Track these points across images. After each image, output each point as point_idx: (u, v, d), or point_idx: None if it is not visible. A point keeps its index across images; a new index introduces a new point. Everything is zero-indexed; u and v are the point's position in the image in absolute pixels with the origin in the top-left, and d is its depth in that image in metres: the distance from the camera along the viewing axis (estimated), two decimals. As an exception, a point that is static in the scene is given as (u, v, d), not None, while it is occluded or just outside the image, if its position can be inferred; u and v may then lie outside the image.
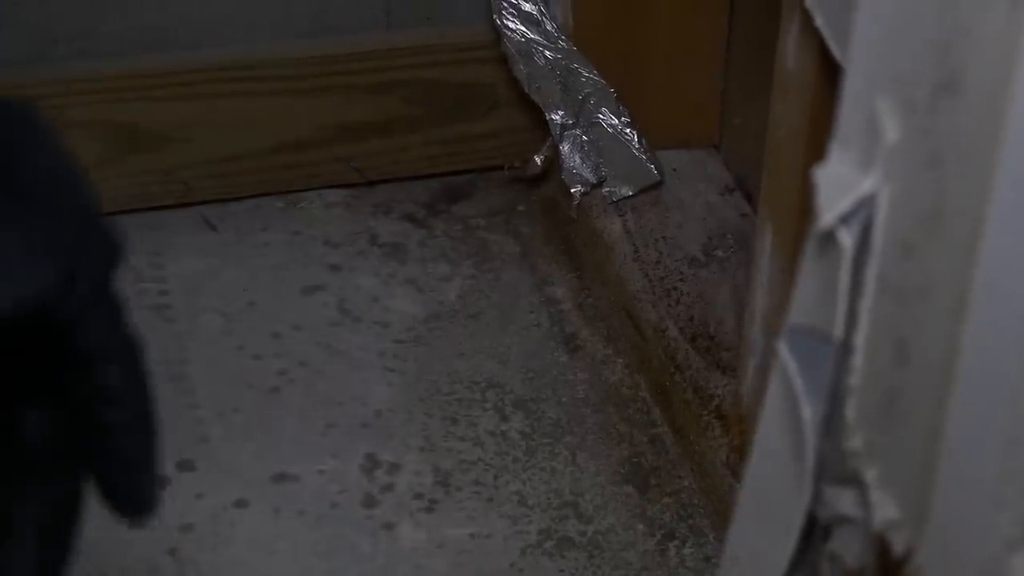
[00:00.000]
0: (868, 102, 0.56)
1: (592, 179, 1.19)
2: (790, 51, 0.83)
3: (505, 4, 1.19)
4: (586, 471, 1.05)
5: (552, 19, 1.19)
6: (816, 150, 0.69)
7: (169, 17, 1.19)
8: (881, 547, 0.62)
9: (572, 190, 1.19)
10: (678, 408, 1.07)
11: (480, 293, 1.19)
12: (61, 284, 0.47)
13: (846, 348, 0.60)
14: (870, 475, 0.61)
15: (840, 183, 0.57)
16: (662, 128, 1.21)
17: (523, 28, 1.19)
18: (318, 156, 1.25)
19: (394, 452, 1.06)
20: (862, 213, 0.57)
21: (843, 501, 0.63)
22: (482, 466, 1.06)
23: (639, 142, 1.19)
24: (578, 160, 1.19)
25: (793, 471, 0.64)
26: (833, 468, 0.63)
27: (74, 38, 1.18)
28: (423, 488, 1.04)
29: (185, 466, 1.04)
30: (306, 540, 1.00)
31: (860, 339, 0.59)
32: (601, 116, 1.19)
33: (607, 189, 1.18)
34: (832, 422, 0.62)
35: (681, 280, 1.13)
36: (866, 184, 0.56)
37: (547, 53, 1.19)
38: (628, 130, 1.19)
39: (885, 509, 0.60)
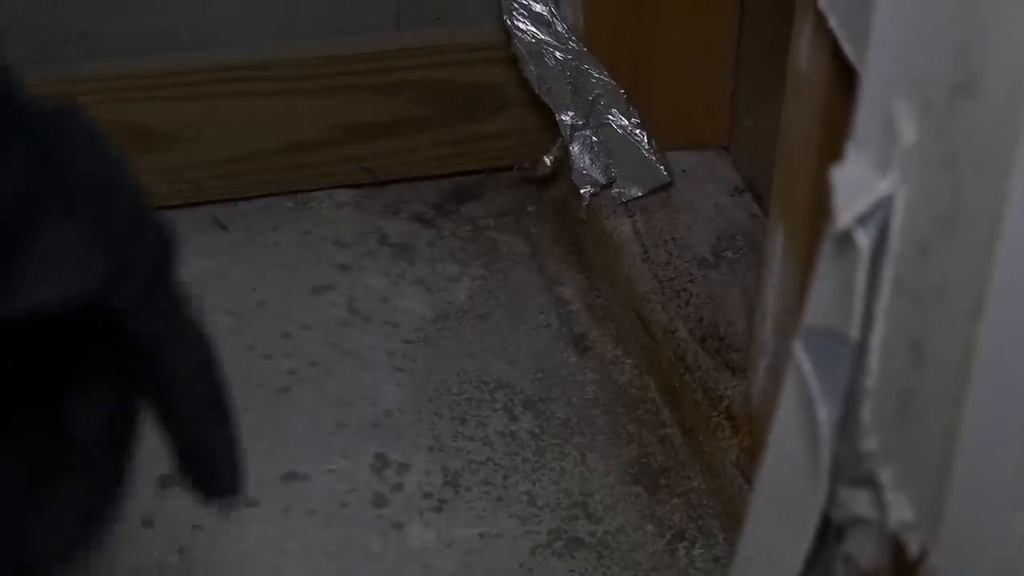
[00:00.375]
0: (885, 103, 0.56)
1: (602, 180, 1.19)
2: (803, 53, 0.83)
3: (516, 5, 1.19)
4: (595, 471, 1.06)
5: (563, 20, 1.19)
6: (829, 152, 0.69)
7: (173, 20, 1.19)
8: (896, 548, 0.62)
9: (582, 191, 1.19)
10: (688, 409, 1.07)
11: (489, 293, 1.19)
12: (114, 276, 0.47)
13: (862, 349, 0.60)
14: (885, 476, 0.61)
15: (857, 184, 0.57)
16: (672, 129, 1.21)
17: (534, 29, 1.19)
18: (328, 156, 1.25)
19: (403, 452, 1.06)
20: (879, 214, 0.57)
21: (858, 502, 0.63)
22: (491, 466, 1.06)
23: (649, 143, 1.19)
24: (588, 161, 1.19)
25: (808, 472, 0.64)
26: (848, 469, 0.63)
27: (81, 39, 1.18)
28: (432, 488, 1.04)
29: (195, 465, 1.04)
30: (316, 539, 1.01)
31: (876, 340, 0.59)
32: (611, 117, 1.19)
33: (617, 190, 1.19)
34: (847, 423, 0.62)
35: (691, 281, 1.13)
36: (883, 185, 0.56)
37: (557, 54, 1.19)
38: (638, 131, 1.19)
39: (900, 510, 0.61)
